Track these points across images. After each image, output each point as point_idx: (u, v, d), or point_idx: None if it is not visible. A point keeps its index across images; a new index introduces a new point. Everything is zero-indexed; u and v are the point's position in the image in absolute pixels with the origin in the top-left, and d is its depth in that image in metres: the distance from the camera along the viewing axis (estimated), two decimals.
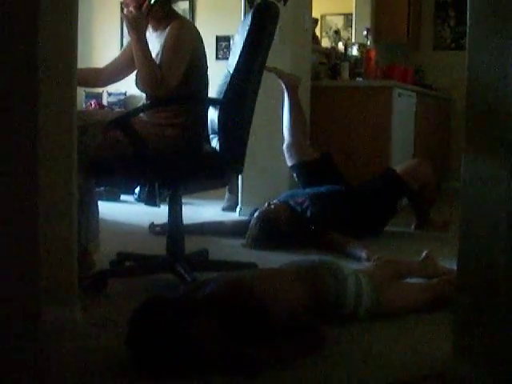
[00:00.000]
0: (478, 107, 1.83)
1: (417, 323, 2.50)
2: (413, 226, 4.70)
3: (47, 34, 2.01)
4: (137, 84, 3.04)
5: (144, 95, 3.18)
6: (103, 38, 8.45)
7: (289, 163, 4.65)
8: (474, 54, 1.82)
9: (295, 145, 4.59)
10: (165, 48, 2.96)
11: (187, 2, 8.22)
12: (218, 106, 2.95)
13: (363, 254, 3.60)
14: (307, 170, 4.57)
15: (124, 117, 2.89)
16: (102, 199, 4.15)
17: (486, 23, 1.77)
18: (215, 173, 3.04)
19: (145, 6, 2.93)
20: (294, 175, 4.68)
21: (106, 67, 3.34)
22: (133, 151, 2.82)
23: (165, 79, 2.89)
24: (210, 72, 3.15)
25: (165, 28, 3.03)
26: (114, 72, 3.32)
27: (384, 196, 4.40)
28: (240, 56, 2.86)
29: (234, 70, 2.87)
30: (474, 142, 1.84)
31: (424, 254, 3.11)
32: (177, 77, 2.94)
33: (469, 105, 1.85)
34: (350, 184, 4.50)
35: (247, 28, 2.86)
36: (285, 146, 4.63)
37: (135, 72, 3.07)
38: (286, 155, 4.64)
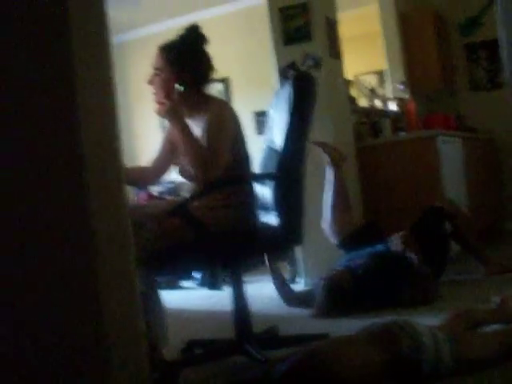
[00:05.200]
0: None
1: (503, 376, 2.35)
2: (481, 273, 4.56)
3: (92, 140, 2.04)
4: (180, 173, 3.03)
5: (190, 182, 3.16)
6: (144, 126, 8.70)
7: (334, 241, 4.51)
8: None
9: (336, 223, 4.46)
10: (209, 130, 2.91)
11: (221, 84, 8.38)
12: (265, 182, 2.97)
13: None
14: (354, 241, 4.40)
15: (182, 204, 2.86)
16: (162, 288, 4.11)
17: None
18: (277, 248, 3.04)
19: (174, 93, 2.94)
20: (344, 252, 4.46)
21: (153, 164, 3.29)
22: (194, 237, 2.78)
23: (216, 161, 2.84)
24: (252, 147, 3.14)
25: (200, 112, 3.01)
26: (160, 167, 3.28)
27: (430, 227, 4.32)
28: (289, 131, 2.88)
29: (285, 145, 2.89)
30: None
31: (498, 298, 3.01)
32: (227, 157, 2.90)
33: None
34: None
35: (289, 102, 2.90)
36: (325, 224, 4.51)
37: (178, 162, 3.10)
38: (328, 233, 4.51)
